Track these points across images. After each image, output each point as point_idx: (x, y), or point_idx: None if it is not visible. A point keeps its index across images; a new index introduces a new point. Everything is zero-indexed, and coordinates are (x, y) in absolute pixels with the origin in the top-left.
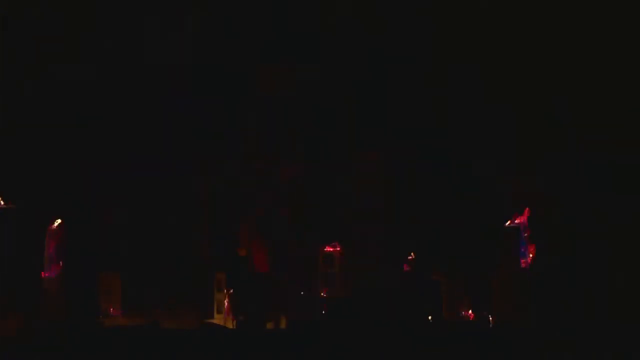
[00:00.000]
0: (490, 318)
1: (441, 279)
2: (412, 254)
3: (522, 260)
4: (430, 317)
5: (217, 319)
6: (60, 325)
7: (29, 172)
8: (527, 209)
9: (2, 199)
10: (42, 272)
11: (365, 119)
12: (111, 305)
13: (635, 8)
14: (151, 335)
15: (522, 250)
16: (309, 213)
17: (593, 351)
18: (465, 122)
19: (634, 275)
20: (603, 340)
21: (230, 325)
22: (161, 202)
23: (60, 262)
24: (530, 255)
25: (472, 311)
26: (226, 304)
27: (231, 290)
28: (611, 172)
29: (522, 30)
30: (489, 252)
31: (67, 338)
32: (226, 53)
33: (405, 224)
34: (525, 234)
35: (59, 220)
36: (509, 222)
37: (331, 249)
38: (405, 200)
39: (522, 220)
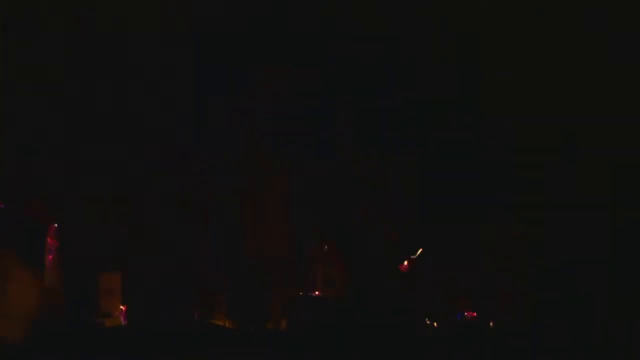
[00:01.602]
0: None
1: (439, 279)
2: (412, 254)
3: None
4: (429, 318)
5: (218, 319)
6: (61, 325)
7: (28, 172)
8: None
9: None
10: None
11: (364, 119)
12: (113, 307)
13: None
14: (151, 335)
15: None
16: (309, 212)
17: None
18: (465, 122)
19: (633, 275)
20: (602, 341)
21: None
22: (161, 202)
23: (59, 262)
24: None
25: (472, 311)
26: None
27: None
28: (610, 173)
29: (522, 31)
30: (489, 251)
31: (67, 338)
32: (226, 52)
33: (405, 224)
34: None
35: (58, 221)
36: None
37: (330, 249)
38: (404, 201)
39: None
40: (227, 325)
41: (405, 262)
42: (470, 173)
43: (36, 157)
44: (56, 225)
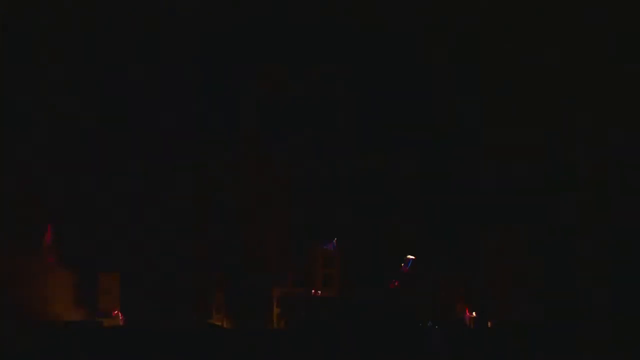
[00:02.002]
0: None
1: (440, 280)
2: (411, 255)
3: None
4: (428, 318)
5: (216, 319)
6: (61, 325)
7: (28, 172)
8: None
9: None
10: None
11: (365, 119)
12: (113, 306)
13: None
14: (150, 335)
15: None
16: (309, 212)
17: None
18: (465, 123)
19: (632, 276)
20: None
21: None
22: (160, 203)
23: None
24: None
25: (470, 311)
26: None
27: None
28: (610, 173)
29: (523, 31)
30: (486, 252)
31: (67, 338)
32: (225, 52)
33: (404, 224)
34: None
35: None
36: None
37: (330, 249)
38: (403, 200)
39: None
40: (224, 324)
41: (404, 264)
42: (470, 174)
43: (34, 159)
44: (51, 225)
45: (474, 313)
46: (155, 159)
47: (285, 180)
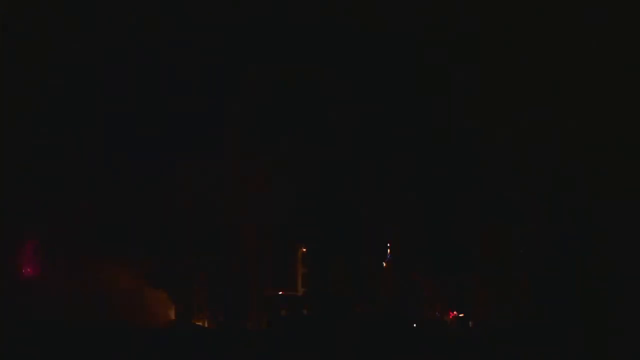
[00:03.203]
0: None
1: (420, 279)
2: (390, 252)
3: None
4: (409, 318)
5: (198, 319)
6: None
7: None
8: None
9: None
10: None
11: (357, 117)
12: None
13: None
14: (132, 335)
15: None
16: (288, 212)
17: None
18: (463, 123)
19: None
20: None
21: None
22: (143, 202)
23: (40, 262)
24: None
25: (452, 311)
26: None
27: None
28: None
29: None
30: (470, 251)
31: (50, 338)
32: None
33: (386, 222)
34: None
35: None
36: None
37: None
38: (386, 198)
39: None
40: (206, 325)
41: (385, 263)
42: (464, 174)
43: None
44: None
45: (454, 312)
46: (142, 158)
47: (268, 181)
